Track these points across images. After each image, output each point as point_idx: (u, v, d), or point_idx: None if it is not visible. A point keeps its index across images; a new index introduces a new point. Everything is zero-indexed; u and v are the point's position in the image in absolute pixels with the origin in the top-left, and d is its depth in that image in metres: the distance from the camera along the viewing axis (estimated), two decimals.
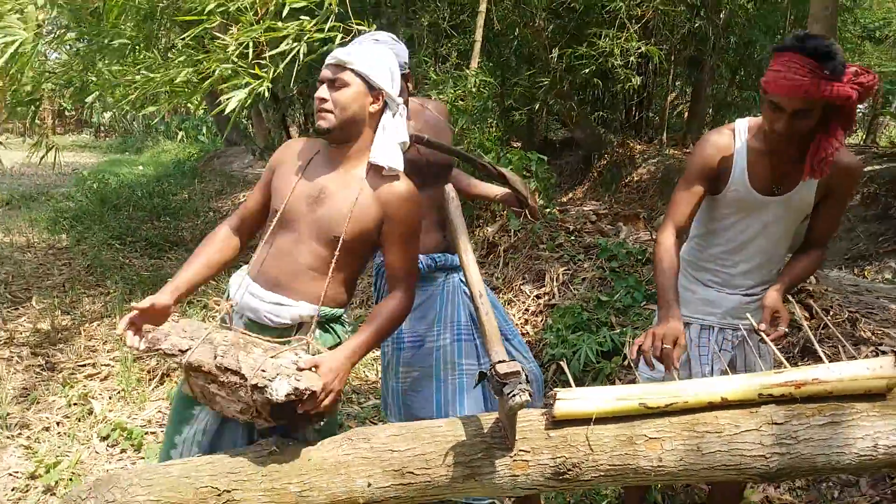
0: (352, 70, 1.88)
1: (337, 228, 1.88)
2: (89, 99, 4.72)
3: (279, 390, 1.63)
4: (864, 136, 12.58)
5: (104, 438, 3.40)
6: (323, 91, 1.88)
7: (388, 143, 1.92)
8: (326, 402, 1.73)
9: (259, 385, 1.65)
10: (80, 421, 3.57)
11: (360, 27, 3.12)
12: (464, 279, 2.55)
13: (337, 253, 1.88)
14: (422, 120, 2.43)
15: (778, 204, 2.07)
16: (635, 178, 8.85)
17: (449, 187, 2.42)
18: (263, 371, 1.67)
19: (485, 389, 2.44)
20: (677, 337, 1.94)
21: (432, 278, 2.46)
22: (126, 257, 6.81)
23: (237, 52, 3.30)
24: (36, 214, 8.56)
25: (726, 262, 2.17)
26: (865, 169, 8.08)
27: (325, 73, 1.90)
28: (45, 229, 7.82)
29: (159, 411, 3.69)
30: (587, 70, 6.93)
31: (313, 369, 1.73)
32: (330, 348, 1.87)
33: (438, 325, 2.44)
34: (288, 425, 1.81)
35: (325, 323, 1.95)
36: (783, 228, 2.12)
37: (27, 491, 2.98)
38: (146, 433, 3.44)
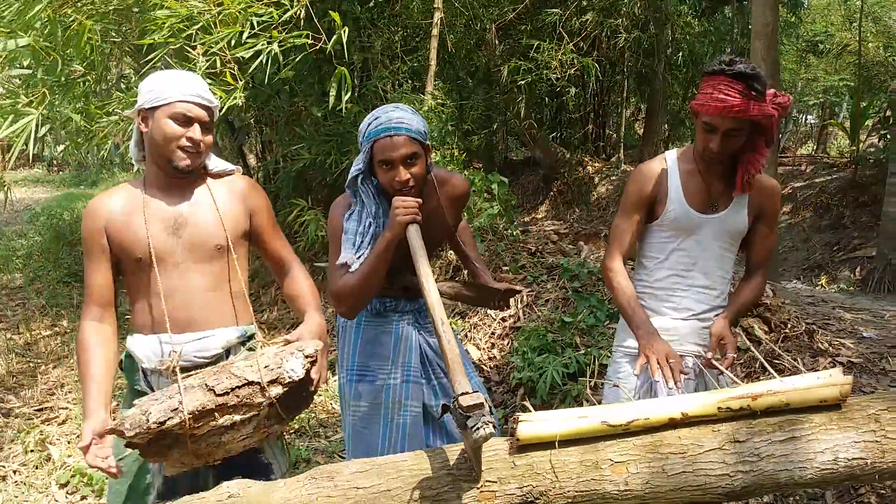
0: (208, 108, 1.96)
1: (216, 237, 1.94)
2: (41, 132, 4.62)
3: (296, 369, 1.71)
4: (814, 147, 12.95)
5: (63, 485, 3.31)
6: (198, 132, 1.92)
7: (215, 153, 2.08)
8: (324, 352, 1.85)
9: (274, 378, 1.70)
10: (37, 468, 3.47)
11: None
12: (424, 311, 2.57)
13: (234, 257, 1.96)
14: (443, 193, 2.44)
15: (714, 222, 2.17)
16: (594, 197, 8.97)
17: None
18: (266, 366, 1.71)
19: (427, 430, 2.49)
20: (668, 352, 2.05)
21: (386, 316, 2.49)
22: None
23: (205, 66, 3.28)
24: None
25: (675, 285, 2.23)
26: (817, 180, 8.31)
27: (199, 113, 1.93)
28: None
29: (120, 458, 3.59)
30: (526, 80, 7.07)
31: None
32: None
33: (391, 364, 2.48)
34: (297, 414, 1.89)
35: (245, 341, 2.01)
36: (724, 248, 2.21)
37: None
38: (106, 479, 3.34)
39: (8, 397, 4.32)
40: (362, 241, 2.31)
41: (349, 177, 2.34)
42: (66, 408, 4.12)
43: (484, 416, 1.66)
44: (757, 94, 1.97)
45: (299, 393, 1.80)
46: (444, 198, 2.44)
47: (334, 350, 2.31)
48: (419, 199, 2.23)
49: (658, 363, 2.03)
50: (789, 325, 3.10)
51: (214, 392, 1.69)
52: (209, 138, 1.96)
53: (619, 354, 2.31)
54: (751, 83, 1.96)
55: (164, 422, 1.66)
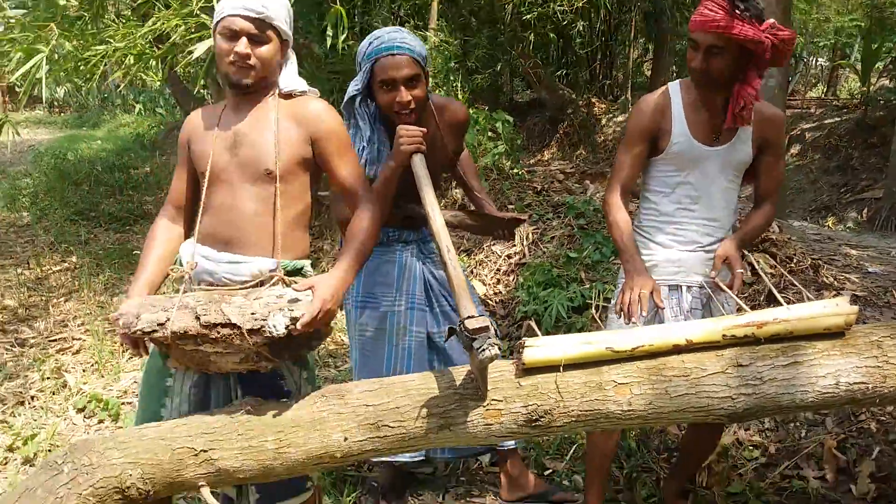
0: (272, 25, 1.89)
1: (267, 161, 1.87)
2: (40, 74, 4.57)
3: (278, 326, 1.64)
4: (824, 90, 12.74)
5: (80, 410, 3.39)
6: (243, 46, 1.85)
7: (292, 72, 1.97)
8: (322, 318, 1.74)
9: (255, 328, 1.65)
10: (54, 394, 3.55)
11: None
12: (431, 241, 2.59)
13: (277, 187, 1.87)
14: (443, 119, 2.42)
15: (719, 154, 2.17)
16: (601, 138, 8.89)
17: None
18: (253, 314, 1.66)
19: (431, 355, 2.55)
20: (652, 286, 2.07)
21: (389, 246, 2.52)
22: (90, 232, 6.70)
23: (200, 3, 3.23)
24: None
25: (681, 219, 2.23)
26: (826, 121, 8.21)
27: (243, 25, 1.86)
28: (4, 207, 7.65)
29: (134, 381, 3.67)
30: (532, 15, 6.89)
31: (310, 291, 1.75)
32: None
33: (395, 291, 2.52)
34: (290, 359, 1.86)
35: (288, 276, 1.92)
36: (729, 180, 2.21)
37: (6, 463, 2.97)
38: (122, 403, 3.43)
39: (22, 328, 4.39)
40: None
41: (345, 98, 2.32)
42: (80, 339, 4.19)
43: (489, 338, 1.69)
44: (743, 13, 1.96)
45: (295, 340, 1.75)
46: (444, 124, 2.43)
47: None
48: (423, 129, 2.22)
49: (632, 300, 2.06)
50: (794, 260, 3.11)
51: (199, 321, 1.70)
52: (263, 51, 1.87)
53: (622, 278, 2.33)
54: (736, 1, 1.95)
55: (149, 332, 1.71)
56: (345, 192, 1.99)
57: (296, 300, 1.74)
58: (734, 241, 2.16)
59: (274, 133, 1.88)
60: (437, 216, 1.99)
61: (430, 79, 2.42)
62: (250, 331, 1.66)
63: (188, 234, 2.05)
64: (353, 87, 2.30)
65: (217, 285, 1.89)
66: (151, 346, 1.95)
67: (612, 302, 2.37)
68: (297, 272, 1.95)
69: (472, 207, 2.66)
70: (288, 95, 1.95)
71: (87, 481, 1.69)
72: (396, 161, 2.20)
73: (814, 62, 14.56)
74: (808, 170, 7.68)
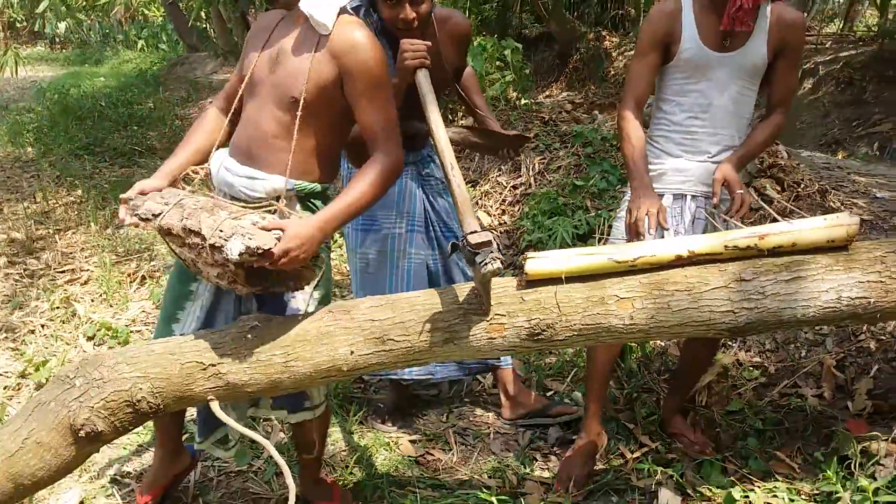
0: None
1: (294, 89, 1.82)
2: (41, 7, 4.49)
3: (233, 249, 1.61)
4: (840, 25, 12.43)
5: (90, 338, 3.44)
6: None
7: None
8: (283, 262, 1.68)
9: (216, 245, 1.63)
10: (64, 323, 3.60)
11: None
12: (435, 161, 2.57)
13: (299, 114, 1.82)
14: (444, 32, 2.37)
15: (731, 59, 2.14)
16: (611, 72, 8.73)
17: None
18: (221, 231, 1.64)
19: (432, 278, 2.57)
20: (657, 205, 2.07)
21: None
22: (95, 167, 6.69)
23: None
24: None
25: (691, 128, 2.21)
26: (841, 54, 8.03)
27: None
28: (9, 142, 7.63)
29: (143, 311, 3.72)
30: None
31: (279, 232, 1.69)
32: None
33: (395, 214, 2.52)
34: (263, 292, 1.84)
35: (305, 199, 1.92)
36: (740, 88, 2.17)
37: (19, 388, 3.03)
38: (131, 331, 3.49)
39: (30, 260, 4.43)
40: None
41: (348, 8, 2.27)
42: (88, 270, 4.23)
43: (492, 252, 1.70)
44: None
45: (269, 274, 1.75)
46: (446, 37, 2.38)
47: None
48: (428, 42, 2.17)
49: (638, 217, 2.06)
50: (802, 186, 3.09)
51: (181, 223, 1.71)
52: None
53: (625, 206, 2.33)
54: None
55: (144, 219, 1.77)
56: (366, 135, 1.89)
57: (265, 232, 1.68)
58: (731, 161, 2.15)
59: (310, 61, 1.81)
60: (441, 133, 1.97)
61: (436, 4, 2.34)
62: (212, 246, 1.64)
63: (232, 131, 2.04)
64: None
65: (235, 199, 1.89)
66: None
67: (615, 221, 2.38)
68: (315, 195, 1.94)
69: (476, 125, 2.63)
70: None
71: (99, 395, 1.73)
72: (400, 77, 2.16)
73: None
74: (819, 104, 7.54)
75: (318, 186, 1.94)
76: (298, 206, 1.91)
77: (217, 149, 2.01)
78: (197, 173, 1.93)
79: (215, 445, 2.15)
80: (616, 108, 5.44)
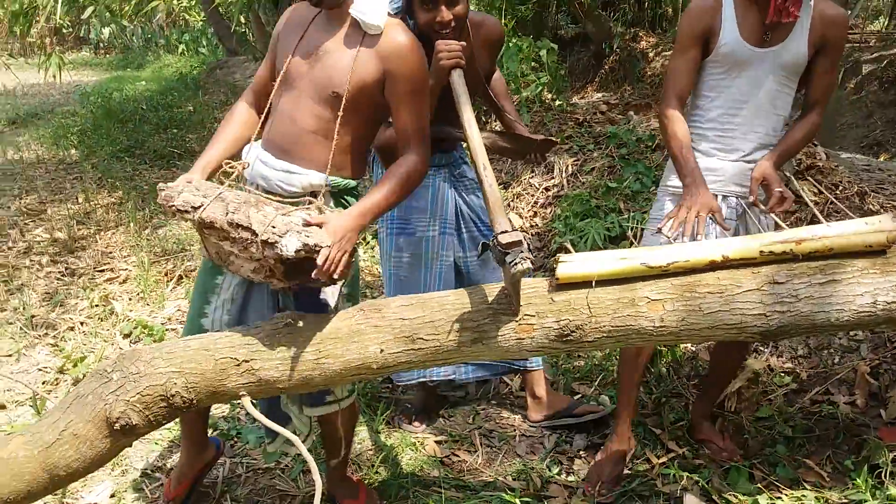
0: None
1: (337, 85, 1.85)
2: (86, 14, 4.62)
3: (289, 245, 1.64)
4: (886, 22, 12.13)
5: (126, 336, 3.52)
6: None
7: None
8: (339, 260, 1.73)
9: (269, 241, 1.66)
10: (102, 321, 3.68)
11: None
12: (467, 162, 2.58)
13: (340, 113, 1.85)
14: (478, 37, 2.38)
15: (770, 55, 2.10)
16: (648, 73, 8.64)
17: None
18: (274, 227, 1.67)
19: (458, 280, 2.60)
20: (711, 206, 2.03)
21: None
22: (136, 169, 6.83)
23: None
24: (42, 131, 8.54)
25: (725, 125, 2.18)
26: (885, 52, 7.84)
27: None
28: (54, 145, 7.83)
29: (178, 309, 3.79)
30: None
31: (321, 227, 1.73)
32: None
33: (430, 216, 2.55)
34: (300, 287, 1.86)
35: (338, 195, 1.95)
36: (778, 85, 2.13)
37: (57, 383, 3.12)
38: (167, 329, 3.56)
39: (71, 260, 4.54)
40: None
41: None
42: (127, 269, 4.32)
43: (522, 252, 1.70)
44: None
45: (308, 269, 1.74)
46: (479, 42, 2.38)
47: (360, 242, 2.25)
48: (463, 43, 2.18)
49: (688, 218, 2.02)
50: (840, 188, 3.03)
51: (227, 217, 1.72)
52: None
53: (662, 193, 2.31)
54: None
55: (183, 211, 1.77)
56: (400, 135, 1.94)
57: (318, 230, 1.73)
58: (770, 159, 2.10)
59: (353, 59, 1.84)
60: (475, 133, 1.97)
61: (472, 5, 2.36)
62: (264, 242, 1.67)
63: (260, 123, 2.06)
64: (394, 4, 2.27)
65: (269, 192, 1.92)
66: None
67: (654, 209, 2.35)
68: (348, 191, 1.98)
69: (504, 129, 2.64)
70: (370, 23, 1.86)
71: (135, 389, 1.77)
72: (435, 78, 2.17)
73: None
74: (862, 104, 7.38)
75: (351, 182, 1.97)
76: (332, 202, 1.94)
77: (250, 143, 2.03)
78: (234, 168, 1.92)
79: (286, 445, 2.17)
80: (653, 109, 5.40)
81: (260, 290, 1.99)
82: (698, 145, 2.21)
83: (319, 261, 1.68)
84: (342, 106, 1.85)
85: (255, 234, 1.68)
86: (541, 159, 2.57)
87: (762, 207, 2.06)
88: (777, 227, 1.93)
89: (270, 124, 1.98)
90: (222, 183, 1.89)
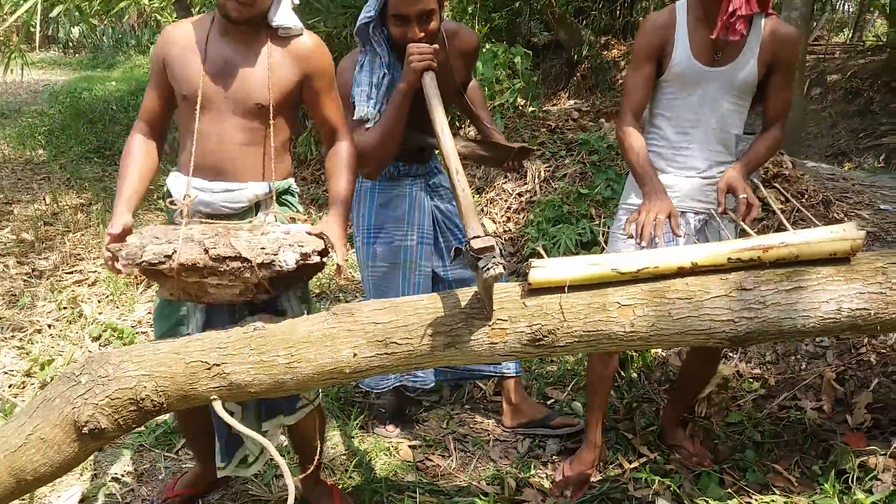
0: None
1: (259, 96, 1.89)
2: (55, 12, 4.54)
3: (288, 261, 1.71)
4: (850, 34, 12.39)
5: (96, 338, 3.47)
6: None
7: (286, 7, 1.93)
8: (341, 254, 1.89)
9: (265, 262, 1.70)
10: (70, 323, 3.63)
11: None
12: (443, 171, 2.59)
13: (271, 121, 1.91)
14: (453, 46, 2.39)
15: (721, 74, 2.12)
16: (619, 80, 8.74)
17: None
18: (263, 248, 1.71)
19: (436, 289, 2.60)
20: (670, 210, 2.05)
21: (399, 180, 2.53)
22: (105, 170, 6.75)
23: None
24: (9, 131, 8.40)
25: (680, 143, 2.21)
26: (849, 63, 8.02)
27: None
28: (20, 145, 7.69)
29: (148, 312, 3.74)
30: None
31: (321, 237, 1.84)
32: (291, 219, 1.96)
33: (407, 226, 2.55)
34: (284, 290, 1.92)
35: (278, 196, 2.00)
36: (730, 104, 2.16)
37: (24, 387, 3.06)
38: (137, 332, 3.51)
39: (38, 261, 4.47)
40: (377, 94, 2.28)
41: (358, 24, 2.28)
42: (96, 271, 4.27)
43: (494, 257, 1.70)
44: None
45: (295, 273, 1.80)
46: (454, 51, 2.40)
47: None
48: (435, 46, 2.18)
49: (646, 221, 2.03)
50: (806, 196, 3.10)
51: (208, 254, 1.72)
52: None
53: (621, 212, 2.35)
54: None
55: (155, 264, 1.72)
56: (327, 128, 2.05)
57: (303, 235, 1.81)
58: (735, 170, 2.11)
59: (267, 68, 1.90)
60: (447, 138, 1.98)
61: (447, 13, 2.37)
62: (260, 264, 1.71)
63: (161, 153, 2.06)
64: (367, 13, 2.26)
65: (214, 215, 1.93)
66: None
67: (614, 226, 2.37)
68: (286, 191, 2.03)
69: (481, 138, 2.65)
70: (279, 32, 1.93)
71: (103, 392, 1.74)
72: (407, 81, 2.17)
73: (841, 7, 14.13)
74: (826, 114, 7.54)
75: (288, 182, 2.04)
76: (275, 206, 1.97)
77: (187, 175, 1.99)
78: (175, 205, 1.92)
79: (238, 468, 2.18)
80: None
81: (220, 309, 1.99)
82: (655, 163, 2.23)
83: (337, 264, 1.88)
84: (270, 115, 1.90)
85: (246, 260, 1.70)
86: (518, 167, 2.59)
87: (732, 216, 2.08)
88: (744, 234, 1.96)
89: (192, 149, 1.92)
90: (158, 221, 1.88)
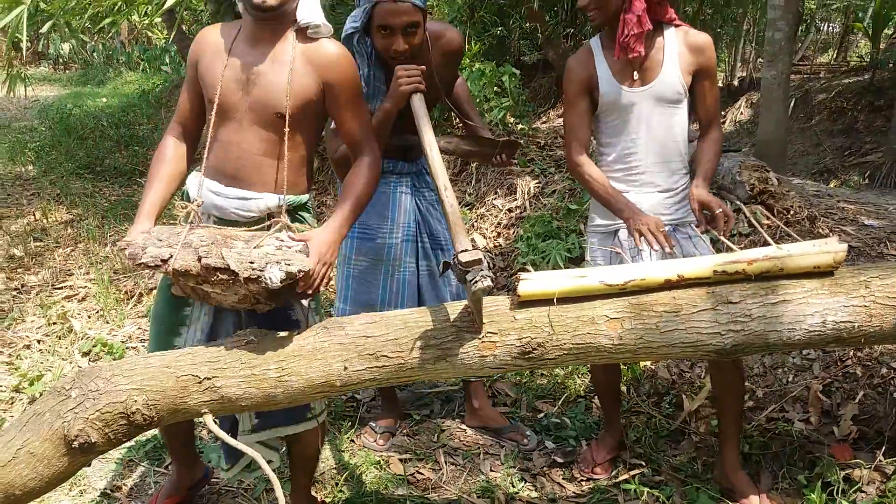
0: None
1: (278, 105, 1.86)
2: (45, 28, 4.55)
3: (273, 278, 1.67)
4: (834, 55, 12.57)
5: (86, 354, 3.46)
6: None
7: (312, 3, 1.91)
8: (324, 275, 1.79)
9: (251, 277, 1.67)
10: (60, 339, 3.62)
11: None
12: (427, 173, 2.61)
13: (286, 131, 1.87)
14: (437, 49, 2.41)
15: (647, 93, 2.22)
16: None
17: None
18: (252, 263, 1.68)
19: (419, 289, 2.63)
20: (657, 222, 2.13)
21: (385, 178, 2.52)
22: (96, 186, 6.74)
23: None
24: None
25: (630, 164, 2.28)
26: (834, 83, 8.13)
27: None
28: (10, 160, 7.68)
29: (139, 328, 3.74)
30: None
31: (305, 245, 1.78)
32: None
33: (390, 223, 2.57)
34: (286, 302, 1.89)
35: (292, 211, 1.97)
36: (665, 116, 2.25)
37: (13, 402, 3.05)
38: (127, 348, 3.51)
39: (28, 276, 4.45)
40: None
41: (343, 34, 2.31)
42: (85, 287, 4.26)
43: (482, 270, 1.72)
44: None
45: (292, 287, 1.79)
46: (438, 53, 2.41)
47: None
48: (422, 67, 2.22)
49: (649, 233, 2.11)
50: (791, 212, 3.14)
51: (200, 263, 1.72)
52: None
53: (590, 234, 2.43)
54: None
55: (153, 267, 1.75)
56: (349, 140, 2.00)
57: (293, 253, 1.77)
58: (699, 187, 2.18)
59: (288, 76, 1.85)
60: (435, 155, 2.01)
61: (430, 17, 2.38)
62: (247, 279, 1.69)
63: (192, 155, 2.06)
64: (351, 23, 2.29)
65: (225, 221, 1.93)
66: (160, 280, 2.01)
67: (589, 252, 2.41)
68: (301, 207, 2.00)
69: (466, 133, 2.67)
70: (303, 30, 1.89)
71: (94, 406, 1.74)
72: (394, 102, 2.21)
73: (825, 28, 14.33)
74: (812, 133, 7.64)
75: (304, 197, 2.00)
76: (288, 220, 1.94)
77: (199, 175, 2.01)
78: (185, 208, 1.92)
79: (244, 471, 2.17)
80: None
81: (228, 312, 1.98)
82: (616, 187, 2.28)
83: (303, 285, 1.74)
84: (287, 125, 1.87)
85: (234, 273, 1.69)
86: (507, 161, 2.58)
87: (714, 233, 2.14)
88: (726, 247, 1.98)
89: (212, 154, 1.94)
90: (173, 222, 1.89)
